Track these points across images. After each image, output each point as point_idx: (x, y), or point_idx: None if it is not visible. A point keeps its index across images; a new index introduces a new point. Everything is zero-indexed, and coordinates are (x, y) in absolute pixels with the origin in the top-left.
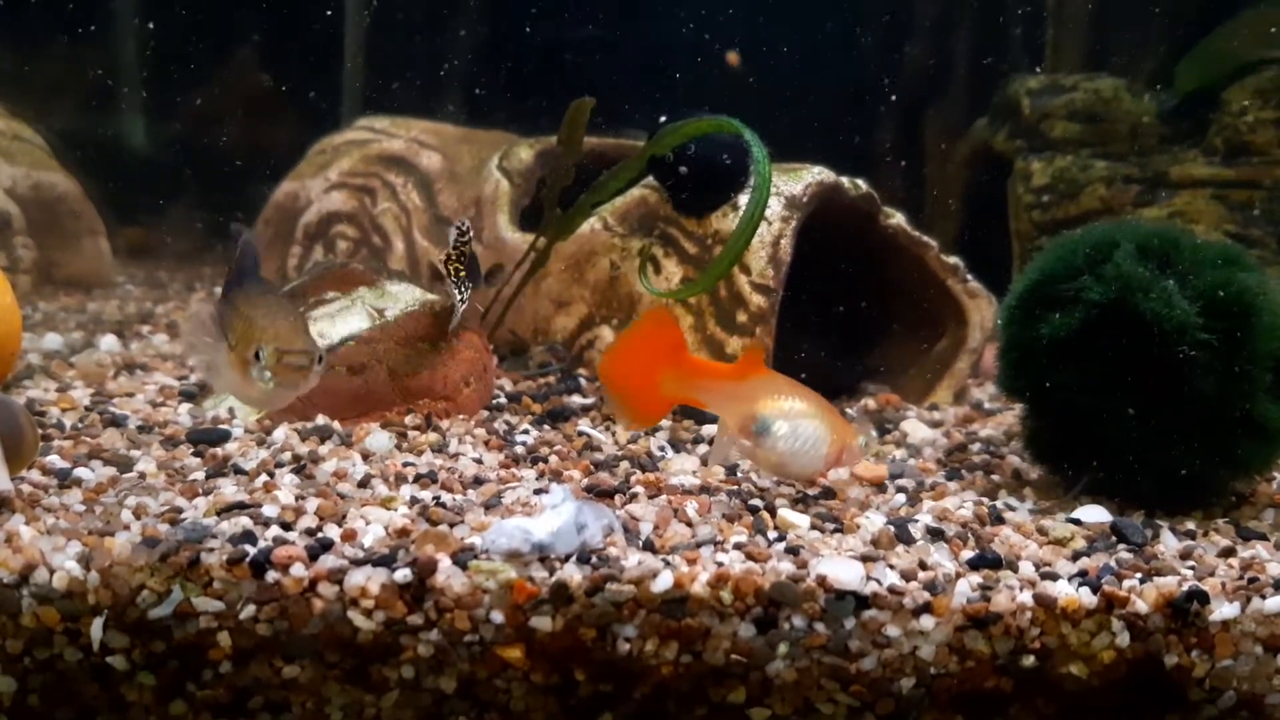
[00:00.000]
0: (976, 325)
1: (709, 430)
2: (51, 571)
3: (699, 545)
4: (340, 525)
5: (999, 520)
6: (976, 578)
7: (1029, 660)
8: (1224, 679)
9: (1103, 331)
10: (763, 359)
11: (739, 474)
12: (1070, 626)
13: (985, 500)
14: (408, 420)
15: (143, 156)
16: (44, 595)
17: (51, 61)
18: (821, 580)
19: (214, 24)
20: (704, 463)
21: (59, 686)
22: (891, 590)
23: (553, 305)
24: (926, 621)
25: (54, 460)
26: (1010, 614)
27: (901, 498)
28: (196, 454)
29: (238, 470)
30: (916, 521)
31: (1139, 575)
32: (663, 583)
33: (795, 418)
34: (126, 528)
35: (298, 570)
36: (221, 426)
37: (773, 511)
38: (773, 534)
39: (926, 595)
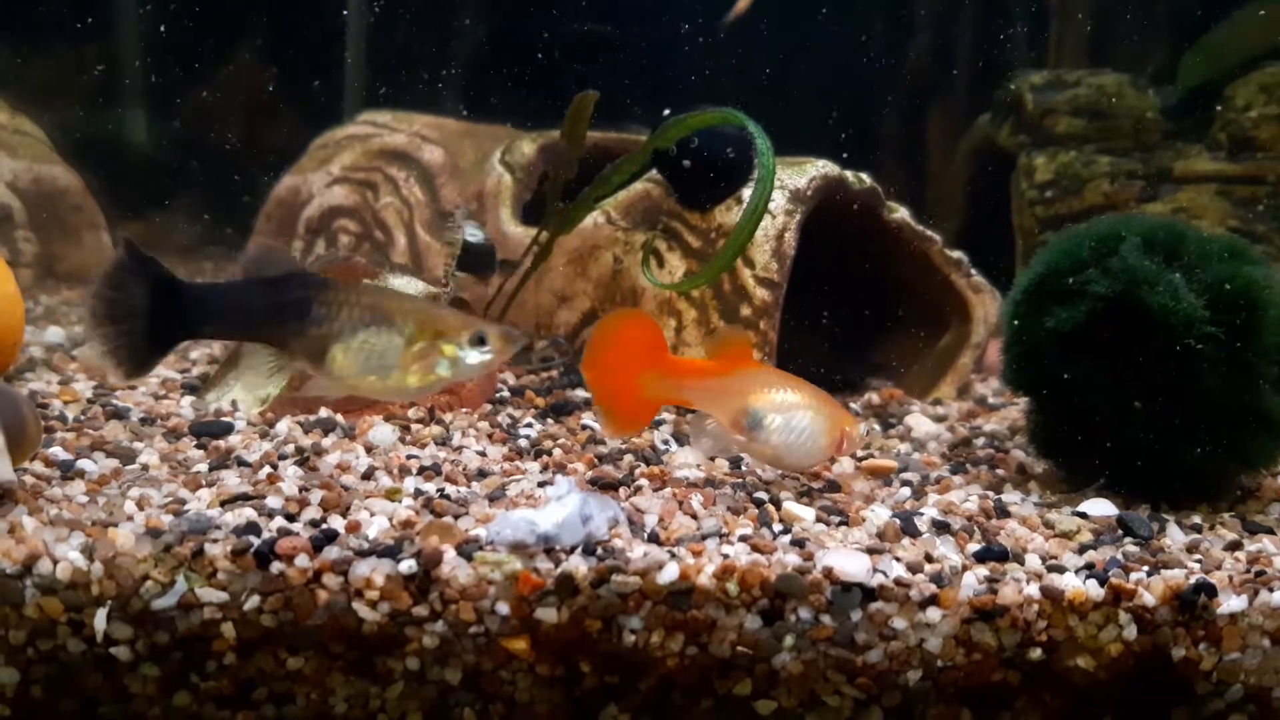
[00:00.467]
0: (980, 320)
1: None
2: (55, 562)
3: (704, 538)
4: (344, 517)
5: (1004, 514)
6: (983, 570)
7: (1036, 653)
8: (1231, 672)
9: (1108, 325)
10: (748, 351)
11: (743, 467)
12: (1077, 619)
13: (990, 494)
14: (411, 413)
15: (144, 151)
16: (47, 586)
17: (53, 55)
18: (828, 572)
19: (216, 18)
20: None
21: (62, 678)
22: (898, 582)
23: (555, 299)
24: (933, 614)
25: (57, 452)
26: (1017, 607)
27: (906, 491)
28: (199, 446)
29: (241, 462)
30: (922, 515)
31: (1146, 568)
32: (668, 574)
33: (788, 410)
34: (130, 519)
35: (302, 561)
36: (224, 419)
37: (778, 504)
38: (778, 527)
39: (933, 588)
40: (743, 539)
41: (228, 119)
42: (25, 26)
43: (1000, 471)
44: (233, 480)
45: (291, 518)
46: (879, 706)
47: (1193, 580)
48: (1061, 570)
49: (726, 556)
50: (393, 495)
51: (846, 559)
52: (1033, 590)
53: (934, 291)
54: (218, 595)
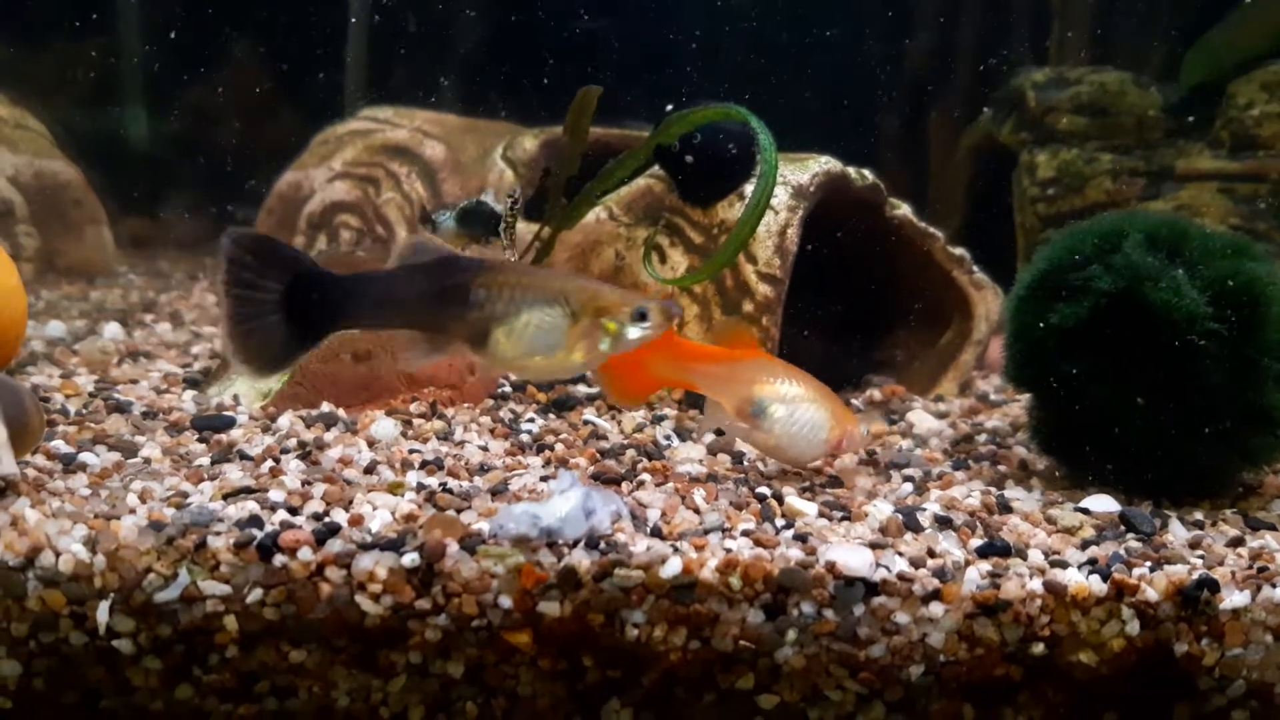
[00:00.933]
0: (982, 317)
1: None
2: (57, 554)
3: (707, 532)
4: (347, 510)
5: (1006, 509)
6: (986, 565)
7: (1038, 648)
8: (1233, 668)
9: (1111, 321)
10: (752, 341)
11: (745, 462)
12: (1080, 614)
13: (992, 490)
14: (413, 408)
15: (145, 146)
16: (50, 578)
17: (55, 50)
18: (831, 567)
19: (218, 13)
20: (711, 451)
21: (64, 670)
22: (901, 577)
23: None
24: (936, 608)
25: (59, 445)
26: (1020, 601)
27: (908, 487)
28: (201, 440)
29: (243, 456)
30: (924, 510)
31: (1148, 564)
32: (671, 568)
33: (793, 402)
34: (132, 511)
35: (305, 554)
36: (226, 413)
37: (780, 499)
38: (780, 521)
39: (936, 582)
40: (745, 534)
41: (229, 114)
42: (27, 21)
43: (1002, 468)
44: (235, 474)
45: (294, 511)
46: (881, 701)
47: (1195, 576)
48: (1064, 565)
49: (729, 551)
50: (395, 489)
51: (849, 553)
52: (1035, 585)
53: (936, 288)
54: (220, 588)
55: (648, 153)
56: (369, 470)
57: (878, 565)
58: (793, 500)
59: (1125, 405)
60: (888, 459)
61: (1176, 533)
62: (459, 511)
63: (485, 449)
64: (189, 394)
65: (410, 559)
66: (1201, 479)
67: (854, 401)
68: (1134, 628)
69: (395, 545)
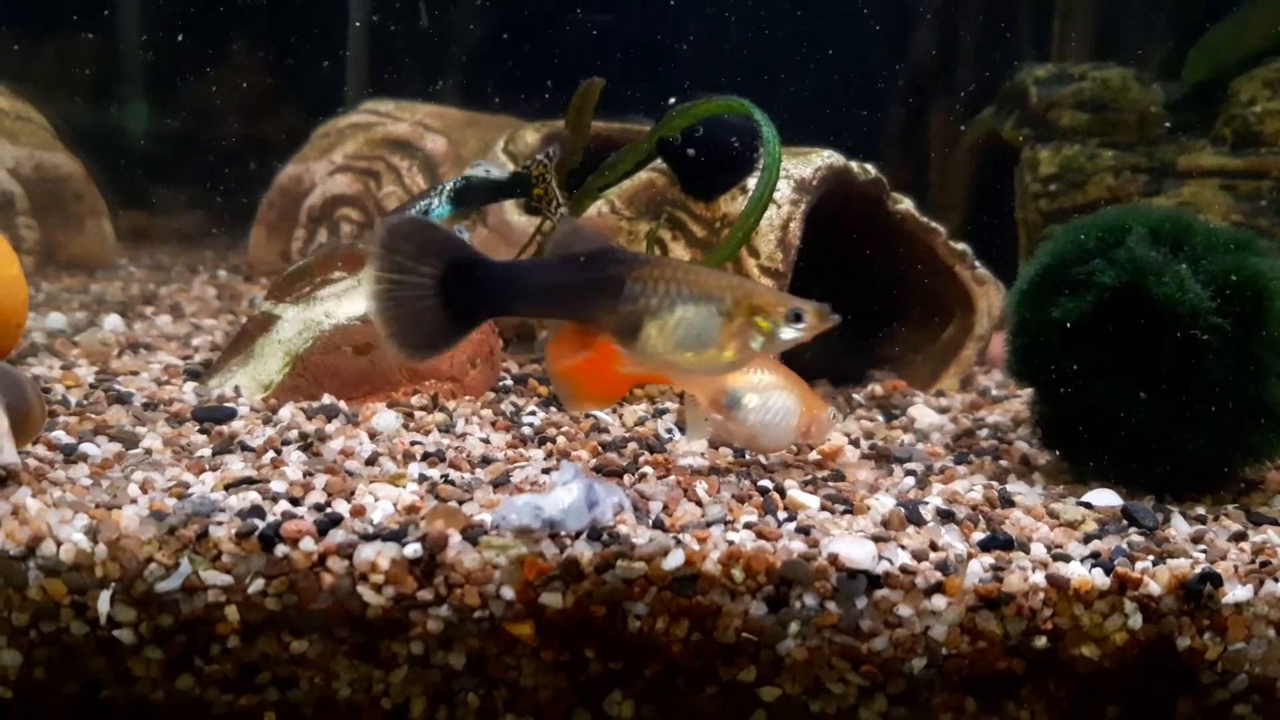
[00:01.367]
0: (984, 312)
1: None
2: (59, 544)
3: (709, 524)
4: (349, 501)
5: (1009, 503)
6: (988, 558)
7: (1041, 641)
8: (1236, 662)
9: (1114, 316)
10: None
11: (747, 455)
12: (1083, 608)
13: (994, 484)
14: (414, 400)
15: (145, 139)
16: (51, 568)
17: (56, 43)
18: (833, 559)
19: (219, 6)
20: (712, 445)
21: (65, 660)
22: (903, 570)
23: None
24: (938, 601)
25: (59, 435)
26: (1022, 595)
27: (910, 481)
28: (203, 431)
29: (244, 447)
30: (926, 504)
31: (1151, 558)
32: (674, 560)
33: (765, 390)
34: (133, 501)
35: (307, 544)
36: (227, 405)
37: (782, 492)
38: (783, 514)
39: (938, 575)
40: (748, 526)
41: (230, 108)
42: (28, 13)
43: (1004, 462)
44: (236, 465)
45: (296, 502)
46: (883, 694)
47: (1198, 570)
48: (1067, 559)
49: (732, 543)
50: (397, 480)
51: (852, 546)
52: (1038, 579)
53: (938, 283)
54: (222, 578)
55: (650, 146)
56: (370, 462)
57: (880, 558)
58: (795, 493)
59: (1127, 400)
60: (889, 453)
61: (1179, 527)
62: (461, 503)
63: (487, 441)
64: (190, 385)
65: (412, 550)
66: (1203, 474)
67: (855, 396)
68: (1136, 621)
69: (397, 536)
